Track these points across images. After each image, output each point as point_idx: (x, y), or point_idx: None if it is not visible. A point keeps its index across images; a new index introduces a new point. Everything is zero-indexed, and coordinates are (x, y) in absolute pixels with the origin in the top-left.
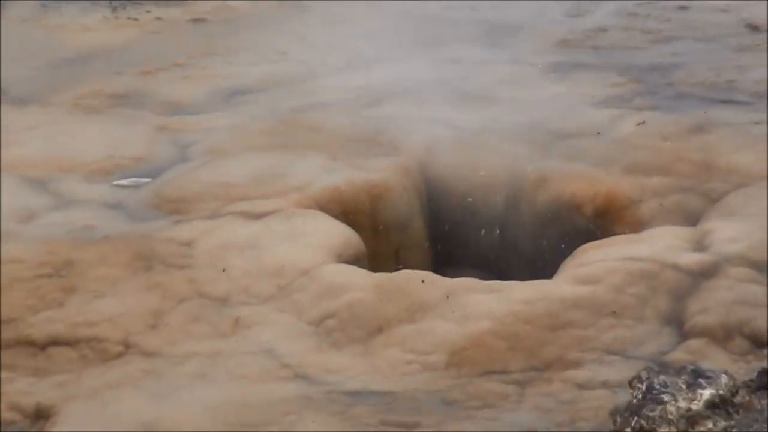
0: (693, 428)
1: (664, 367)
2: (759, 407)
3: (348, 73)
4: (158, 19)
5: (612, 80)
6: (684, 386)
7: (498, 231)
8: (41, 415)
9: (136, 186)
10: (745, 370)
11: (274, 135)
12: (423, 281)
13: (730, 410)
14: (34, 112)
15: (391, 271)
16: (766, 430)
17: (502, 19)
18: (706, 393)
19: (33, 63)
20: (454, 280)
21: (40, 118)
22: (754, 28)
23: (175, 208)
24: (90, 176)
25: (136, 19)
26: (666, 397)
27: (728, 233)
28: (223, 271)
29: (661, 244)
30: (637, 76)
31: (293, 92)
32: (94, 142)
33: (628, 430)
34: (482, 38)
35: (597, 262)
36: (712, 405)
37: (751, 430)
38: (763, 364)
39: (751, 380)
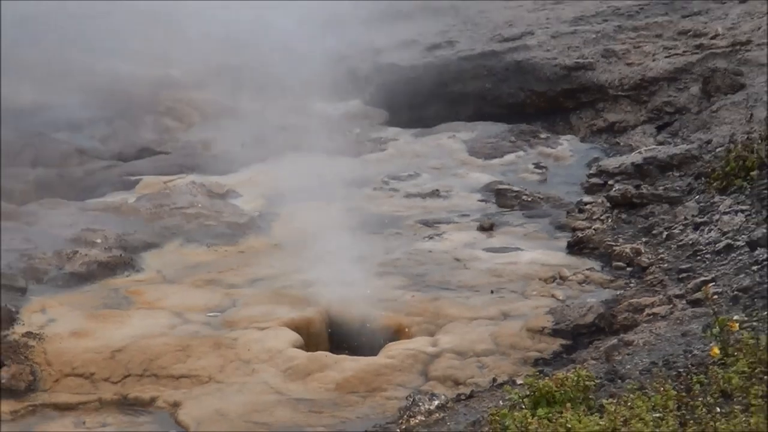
0: (430, 416)
1: (420, 392)
2: (457, 409)
3: (288, 278)
4: (225, 250)
5: (400, 279)
6: (428, 399)
7: (356, 338)
8: (176, 405)
9: (215, 316)
10: (453, 393)
11: (273, 297)
12: (326, 356)
13: (446, 409)
14: (173, 285)
15: (314, 352)
16: (461, 417)
17: (359, 257)
18: (436, 402)
19: (175, 267)
20: (339, 356)
21: (176, 289)
22: (458, 260)
23: (230, 324)
24: (197, 311)
25: (216, 251)
26: (409, 404)
27: (446, 340)
28: (249, 350)
29: (418, 344)
30: (415, 281)
31: (282, 281)
32: (198, 298)
33: (405, 416)
34: (348, 259)
35: (394, 350)
36: (439, 407)
37: (455, 417)
38: (460, 391)
39: (454, 397)
